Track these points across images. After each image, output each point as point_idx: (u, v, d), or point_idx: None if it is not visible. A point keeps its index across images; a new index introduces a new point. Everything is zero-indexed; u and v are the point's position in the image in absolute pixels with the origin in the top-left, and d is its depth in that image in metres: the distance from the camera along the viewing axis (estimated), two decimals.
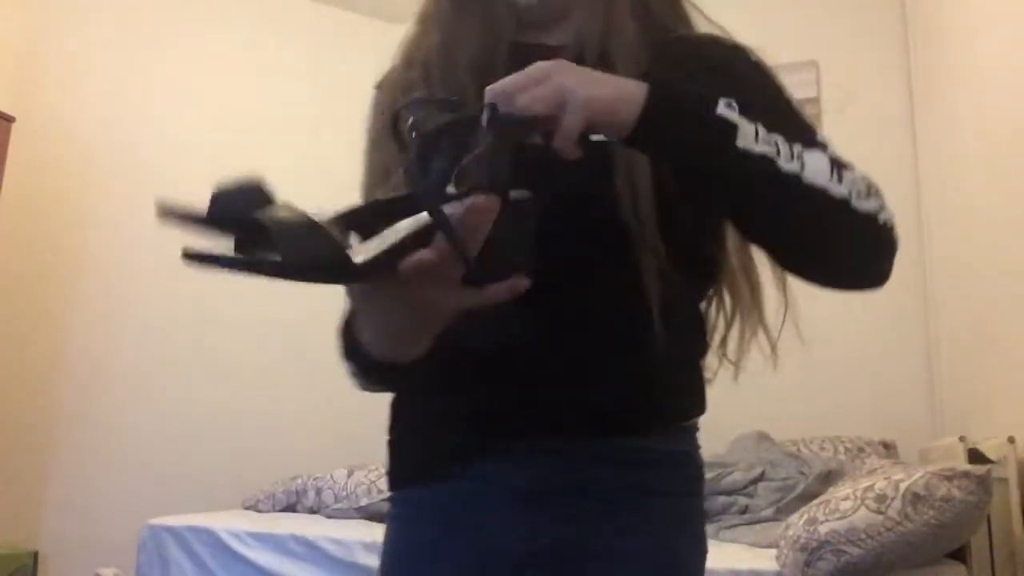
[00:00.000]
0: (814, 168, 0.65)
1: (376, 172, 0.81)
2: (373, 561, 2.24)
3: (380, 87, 0.86)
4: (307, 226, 0.50)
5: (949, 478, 1.71)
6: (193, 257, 0.49)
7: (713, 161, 0.63)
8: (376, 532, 2.40)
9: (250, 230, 0.50)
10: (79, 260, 3.42)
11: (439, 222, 0.49)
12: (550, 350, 0.72)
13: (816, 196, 0.65)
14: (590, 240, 0.71)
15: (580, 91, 0.58)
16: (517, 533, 0.72)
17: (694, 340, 0.78)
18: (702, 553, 0.78)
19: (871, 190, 0.68)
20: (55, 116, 3.45)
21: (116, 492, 3.28)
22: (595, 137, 0.61)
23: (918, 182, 3.21)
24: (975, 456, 2.10)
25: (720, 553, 2.09)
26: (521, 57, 0.70)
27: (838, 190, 0.65)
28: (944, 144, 2.92)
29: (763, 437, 2.84)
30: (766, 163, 0.63)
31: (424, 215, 0.51)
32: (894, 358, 3.13)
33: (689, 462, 0.78)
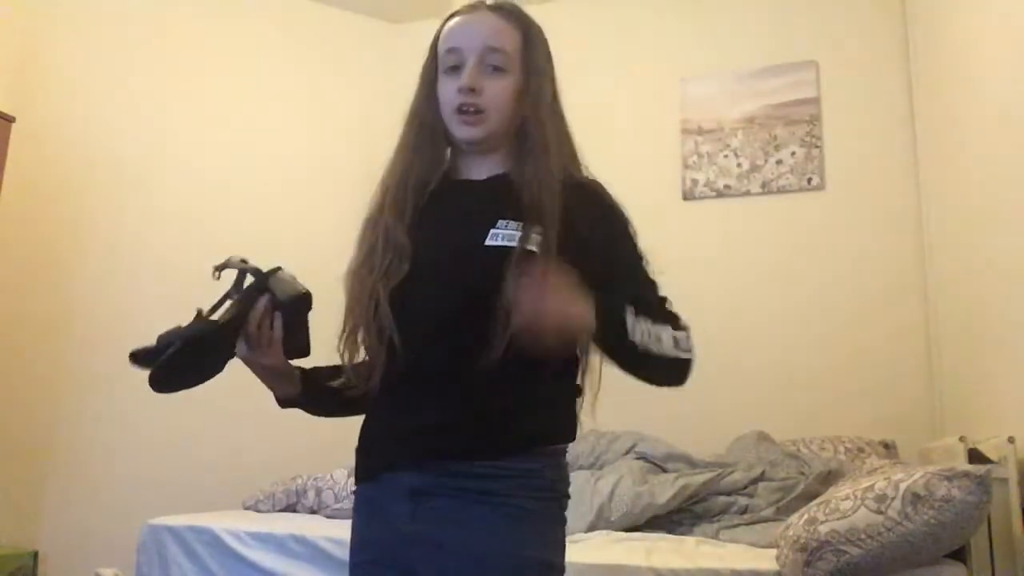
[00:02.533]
0: (663, 340, 1.09)
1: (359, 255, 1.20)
2: None
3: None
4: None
5: (949, 478, 1.71)
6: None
7: (613, 337, 1.08)
8: None
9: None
10: (78, 260, 3.42)
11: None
12: (428, 403, 1.10)
13: (656, 357, 1.08)
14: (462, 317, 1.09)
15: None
16: (403, 518, 1.09)
17: (540, 392, 1.11)
18: (546, 544, 1.09)
19: (679, 340, 1.11)
20: (55, 116, 3.45)
21: (116, 492, 3.27)
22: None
23: (918, 182, 3.21)
24: (975, 456, 2.09)
25: (720, 553, 2.09)
26: (450, 187, 1.20)
27: (672, 352, 1.10)
28: (944, 144, 2.92)
29: (763, 437, 2.84)
30: (635, 345, 1.07)
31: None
32: (894, 358, 3.12)
33: (536, 477, 1.08)
